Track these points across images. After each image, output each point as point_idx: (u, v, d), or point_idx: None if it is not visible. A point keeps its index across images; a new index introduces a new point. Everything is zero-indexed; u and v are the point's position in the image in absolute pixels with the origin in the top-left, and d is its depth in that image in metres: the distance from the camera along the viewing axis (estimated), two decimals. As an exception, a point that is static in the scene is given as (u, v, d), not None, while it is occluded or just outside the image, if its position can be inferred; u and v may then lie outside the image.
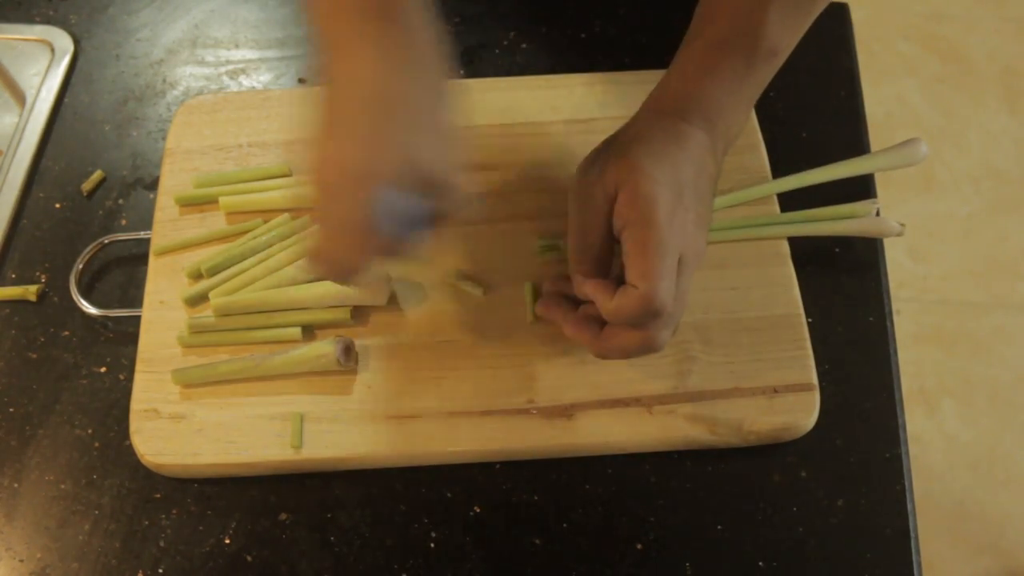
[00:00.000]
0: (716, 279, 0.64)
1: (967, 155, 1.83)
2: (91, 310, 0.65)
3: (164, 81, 0.77)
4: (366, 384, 0.61)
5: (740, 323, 0.63)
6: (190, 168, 0.70)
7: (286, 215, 0.67)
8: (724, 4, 0.57)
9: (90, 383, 0.64)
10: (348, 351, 0.61)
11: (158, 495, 0.60)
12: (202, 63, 0.78)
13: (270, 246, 0.65)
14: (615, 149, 0.56)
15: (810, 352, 0.62)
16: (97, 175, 0.72)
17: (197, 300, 0.64)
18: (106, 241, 0.68)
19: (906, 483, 0.60)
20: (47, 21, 0.81)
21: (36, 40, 0.80)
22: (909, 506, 0.59)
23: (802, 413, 0.60)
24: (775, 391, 0.60)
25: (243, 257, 0.65)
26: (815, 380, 0.61)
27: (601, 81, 0.73)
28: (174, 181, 0.69)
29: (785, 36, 0.56)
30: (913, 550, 0.58)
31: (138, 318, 0.64)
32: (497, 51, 0.78)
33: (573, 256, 0.56)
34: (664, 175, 0.53)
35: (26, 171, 0.72)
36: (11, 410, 0.63)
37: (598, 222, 0.54)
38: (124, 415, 0.61)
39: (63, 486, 0.60)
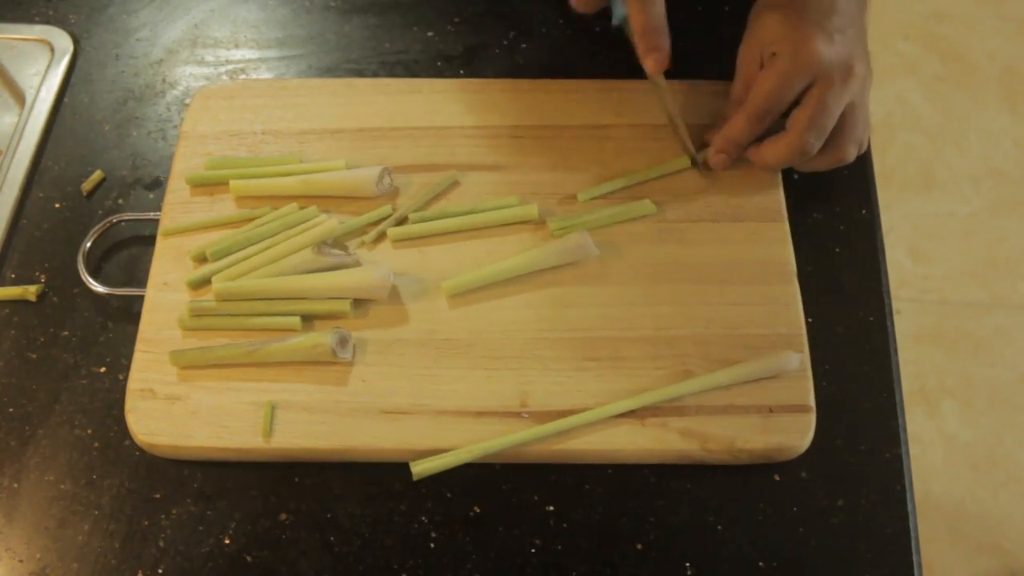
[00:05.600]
0: (718, 294, 0.64)
1: (967, 155, 1.83)
2: (98, 288, 0.65)
3: (164, 81, 0.77)
4: (361, 377, 0.61)
5: (740, 339, 0.62)
6: (203, 152, 0.70)
7: (294, 204, 0.67)
8: None
9: (90, 383, 0.64)
10: (344, 343, 0.61)
11: (158, 495, 0.60)
12: (202, 63, 0.78)
13: (276, 234, 0.66)
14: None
15: (809, 373, 0.61)
16: (97, 175, 0.72)
17: (200, 283, 0.64)
18: (114, 220, 0.68)
19: (906, 483, 0.60)
20: (46, 21, 0.81)
21: (35, 40, 0.80)
22: (909, 506, 0.59)
23: (796, 434, 0.59)
24: (770, 410, 0.60)
25: (249, 243, 0.66)
26: (812, 402, 0.60)
27: (617, 88, 0.73)
28: (187, 165, 0.70)
29: None
30: (913, 550, 0.58)
31: (141, 298, 0.65)
32: (497, 51, 0.78)
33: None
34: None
35: (26, 171, 0.72)
36: (11, 410, 0.63)
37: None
38: (124, 415, 0.61)
39: (63, 486, 0.60)
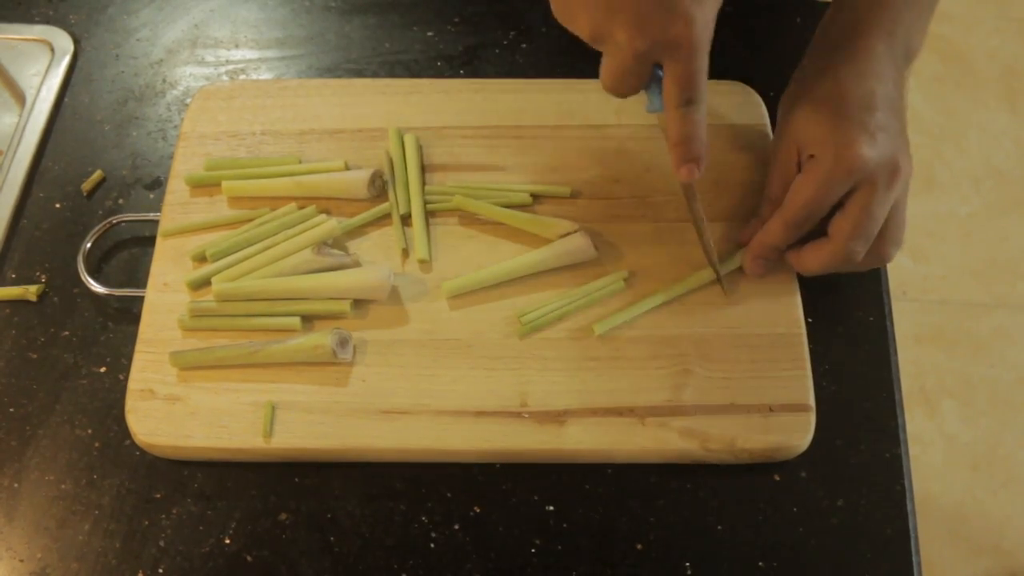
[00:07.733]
0: (718, 293, 0.64)
1: (967, 155, 1.83)
2: (98, 289, 0.65)
3: (164, 81, 0.77)
4: (361, 378, 0.61)
5: (740, 339, 0.62)
6: (203, 153, 0.70)
7: (293, 204, 0.67)
8: None
9: (90, 383, 0.64)
10: (344, 343, 0.61)
11: (158, 495, 0.60)
12: (202, 63, 0.78)
13: (276, 234, 0.66)
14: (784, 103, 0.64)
15: (808, 372, 0.61)
16: (97, 175, 0.72)
17: (200, 284, 0.64)
18: (114, 221, 0.68)
19: (906, 483, 0.60)
20: (47, 21, 0.81)
21: (36, 40, 0.80)
22: (909, 506, 0.59)
23: (796, 433, 0.59)
24: (770, 409, 0.60)
25: (248, 244, 0.66)
26: (812, 401, 0.60)
27: None
28: (186, 165, 0.70)
29: None
30: (913, 550, 0.58)
31: (141, 299, 0.64)
32: (497, 51, 0.78)
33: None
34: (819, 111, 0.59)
35: (26, 171, 0.72)
36: (11, 410, 0.63)
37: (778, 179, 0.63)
38: (124, 415, 0.61)
39: (63, 486, 0.60)
